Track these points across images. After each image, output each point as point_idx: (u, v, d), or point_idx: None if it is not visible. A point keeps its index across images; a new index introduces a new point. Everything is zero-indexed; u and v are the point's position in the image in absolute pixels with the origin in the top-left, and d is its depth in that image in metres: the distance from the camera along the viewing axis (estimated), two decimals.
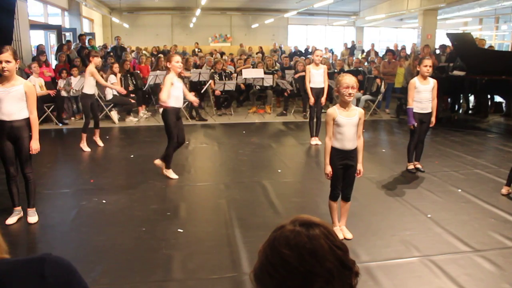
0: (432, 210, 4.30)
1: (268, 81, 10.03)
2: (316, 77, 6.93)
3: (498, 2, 15.53)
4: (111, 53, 13.01)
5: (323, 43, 21.52)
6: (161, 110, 5.24)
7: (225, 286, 3.00)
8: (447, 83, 8.63)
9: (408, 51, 12.79)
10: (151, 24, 21.76)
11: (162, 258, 3.34)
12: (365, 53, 17.13)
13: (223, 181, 5.31)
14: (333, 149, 3.54)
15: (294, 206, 4.51)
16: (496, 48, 15.96)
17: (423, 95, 5.29)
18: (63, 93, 8.91)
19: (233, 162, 6.19)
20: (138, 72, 10.29)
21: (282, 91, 10.29)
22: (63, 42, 11.82)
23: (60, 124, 8.65)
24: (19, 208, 4.05)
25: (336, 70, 10.82)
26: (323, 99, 7.02)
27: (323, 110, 7.10)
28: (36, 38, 12.66)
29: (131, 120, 9.21)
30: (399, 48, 13.90)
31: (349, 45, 19.45)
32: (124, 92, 7.13)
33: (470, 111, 10.52)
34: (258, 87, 10.24)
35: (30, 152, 3.88)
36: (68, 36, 14.13)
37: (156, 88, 10.12)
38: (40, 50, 10.01)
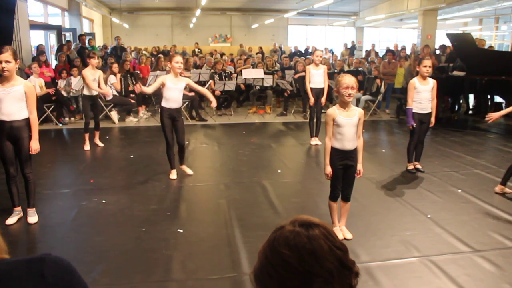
0: (432, 210, 4.30)
1: (268, 81, 10.03)
2: (316, 77, 6.93)
3: (498, 3, 15.53)
4: (112, 53, 13.01)
5: (323, 44, 21.52)
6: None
7: (225, 286, 3.00)
8: (447, 83, 8.64)
9: (408, 52, 12.79)
10: (151, 24, 21.77)
11: (162, 258, 3.34)
12: (364, 53, 17.14)
13: (223, 181, 5.31)
14: (333, 149, 3.54)
15: (294, 206, 4.51)
16: (496, 48, 15.95)
17: (422, 96, 5.29)
18: (64, 93, 8.92)
19: (233, 162, 6.19)
20: (138, 72, 10.29)
21: (282, 91, 10.29)
22: (63, 42, 11.82)
23: (60, 124, 8.65)
24: (19, 208, 4.05)
25: (336, 70, 10.82)
26: (323, 99, 7.02)
27: (323, 110, 7.10)
28: (36, 38, 12.67)
29: (131, 120, 9.21)
30: (399, 49, 13.90)
31: (349, 45, 19.46)
32: (110, 96, 7.07)
33: (470, 111, 10.52)
34: (258, 87, 10.24)
35: (30, 152, 3.88)
36: (68, 36, 14.14)
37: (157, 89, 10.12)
38: (40, 50, 10.02)
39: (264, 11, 21.12)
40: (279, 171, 5.77)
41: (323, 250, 0.89)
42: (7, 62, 3.62)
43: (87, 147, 6.74)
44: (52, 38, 13.42)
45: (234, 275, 3.12)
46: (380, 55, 14.49)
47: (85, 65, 10.50)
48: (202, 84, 9.79)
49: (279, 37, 22.58)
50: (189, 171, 5.35)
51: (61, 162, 6.40)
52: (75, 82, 8.83)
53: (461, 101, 10.43)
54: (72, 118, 9.17)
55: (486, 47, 10.18)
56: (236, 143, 7.31)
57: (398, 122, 9.32)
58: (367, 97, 9.77)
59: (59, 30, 13.08)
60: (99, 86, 6.61)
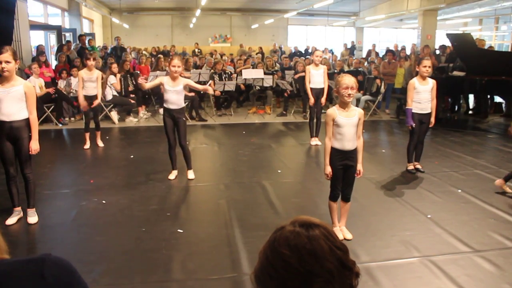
0: (432, 210, 4.30)
1: (268, 81, 10.04)
2: (316, 78, 6.93)
3: (498, 3, 15.53)
4: (112, 53, 13.01)
5: (323, 44, 21.52)
6: (160, 110, 5.39)
7: (225, 287, 3.00)
8: (447, 84, 8.64)
9: (408, 52, 12.79)
10: (151, 25, 21.77)
11: (162, 259, 3.34)
12: (365, 53, 17.14)
13: (223, 181, 5.31)
14: (333, 149, 3.54)
15: (294, 206, 4.51)
16: (496, 49, 15.95)
17: (422, 96, 5.29)
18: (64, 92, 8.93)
19: (233, 162, 6.20)
20: (138, 72, 10.29)
21: (282, 92, 10.29)
22: (63, 43, 11.82)
23: (60, 125, 8.66)
24: (19, 208, 4.05)
25: (336, 71, 10.82)
26: (323, 100, 7.02)
27: (323, 111, 7.10)
28: (36, 38, 12.66)
29: (131, 121, 9.21)
30: (399, 49, 13.90)
31: (349, 46, 19.46)
32: (83, 105, 7.02)
33: (470, 112, 10.52)
34: (258, 87, 10.24)
35: (30, 152, 3.88)
36: (68, 36, 14.14)
37: (156, 89, 10.13)
38: (40, 50, 10.02)
39: (264, 11, 21.12)
40: (279, 171, 5.77)
41: (323, 250, 0.89)
42: (7, 62, 3.62)
43: (86, 146, 6.80)
44: (52, 38, 13.42)
45: (234, 275, 3.12)
46: (380, 55, 14.49)
47: (85, 65, 10.54)
48: (202, 84, 9.81)
49: (279, 37, 22.59)
50: (191, 176, 5.34)
51: (61, 162, 6.40)
52: (75, 82, 8.82)
53: (461, 101, 10.43)
54: (72, 118, 9.17)
55: (486, 47, 10.19)
56: (236, 143, 7.31)
57: (398, 122, 9.32)
58: (367, 97, 9.77)
59: (59, 30, 13.08)
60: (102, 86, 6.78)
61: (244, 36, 22.31)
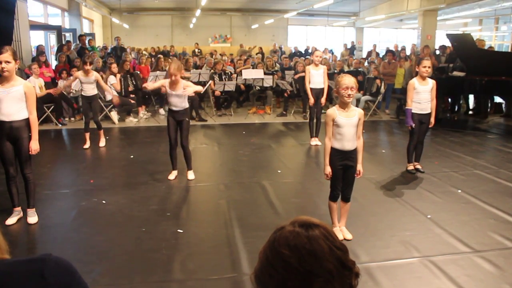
0: (432, 210, 4.30)
1: (268, 81, 10.03)
2: (316, 78, 6.93)
3: (498, 3, 15.54)
4: (112, 53, 13.00)
5: (323, 44, 21.52)
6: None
7: (225, 287, 3.00)
8: (447, 84, 8.63)
9: (408, 52, 12.79)
10: (151, 25, 21.77)
11: (162, 259, 3.34)
12: (366, 54, 17.13)
13: (223, 181, 5.31)
14: (333, 149, 3.54)
15: (294, 206, 4.51)
16: (495, 49, 15.96)
17: (422, 96, 5.29)
18: (64, 93, 8.93)
19: (233, 162, 6.20)
20: (138, 72, 10.29)
21: (282, 92, 10.29)
22: (63, 43, 11.82)
23: (60, 125, 8.66)
24: (19, 208, 4.05)
25: (336, 71, 10.82)
26: (322, 100, 7.02)
27: (322, 111, 7.10)
28: (36, 38, 12.66)
29: (131, 121, 9.21)
30: (399, 49, 13.90)
31: (349, 46, 19.46)
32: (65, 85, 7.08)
33: (470, 112, 10.52)
34: (258, 87, 10.24)
35: (30, 152, 3.88)
36: (68, 36, 14.14)
37: (156, 89, 10.12)
38: (40, 50, 10.01)
39: (264, 11, 21.12)
40: (279, 171, 5.77)
41: (323, 250, 0.89)
42: (7, 62, 3.62)
43: (86, 146, 6.81)
44: (52, 38, 13.41)
45: (234, 275, 3.12)
46: (380, 55, 14.49)
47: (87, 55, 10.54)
48: (202, 84, 9.82)
49: (279, 37, 22.59)
50: (191, 176, 5.34)
51: (60, 162, 6.40)
52: (75, 82, 8.81)
53: (461, 102, 10.43)
54: (72, 119, 9.17)
55: (486, 47, 10.19)
56: (236, 143, 7.31)
57: (398, 122, 9.32)
58: (367, 97, 9.77)
59: (59, 30, 13.08)
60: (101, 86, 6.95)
61: (244, 36, 22.31)
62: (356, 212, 4.12)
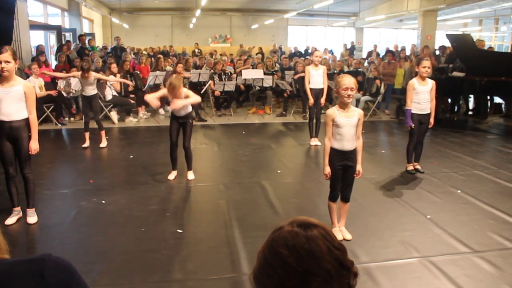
0: (431, 211, 4.30)
1: (268, 81, 10.03)
2: (316, 78, 6.93)
3: (498, 3, 15.54)
4: (112, 53, 12.99)
5: (323, 44, 21.52)
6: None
7: (224, 287, 3.00)
8: (447, 84, 8.64)
9: (408, 52, 12.79)
10: (151, 25, 21.76)
11: (161, 259, 3.34)
12: (366, 54, 17.13)
13: (222, 181, 5.31)
14: (333, 149, 3.55)
15: (294, 206, 4.51)
16: (495, 49, 15.96)
17: (421, 96, 5.30)
18: (63, 94, 8.93)
19: (232, 162, 6.20)
20: (138, 72, 10.29)
21: (281, 92, 10.29)
22: (63, 43, 11.82)
23: (59, 125, 8.66)
24: (19, 208, 4.05)
25: (335, 71, 10.82)
26: (322, 100, 7.02)
27: (322, 111, 7.10)
28: (36, 38, 12.66)
29: (131, 121, 9.21)
30: (399, 49, 13.90)
31: (349, 46, 19.45)
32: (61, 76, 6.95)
33: (469, 112, 10.53)
34: (257, 87, 10.24)
35: (30, 152, 3.88)
36: (68, 36, 14.13)
37: (156, 89, 10.13)
38: (40, 50, 10.01)
39: (264, 11, 21.12)
40: (278, 171, 5.77)
41: (321, 250, 0.89)
42: (7, 62, 3.62)
43: (85, 144, 6.83)
44: (52, 38, 13.41)
45: (233, 275, 3.12)
46: (380, 55, 14.49)
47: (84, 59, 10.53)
48: (202, 84, 9.82)
49: (279, 37, 22.58)
50: (190, 176, 5.34)
51: (60, 162, 6.40)
52: (75, 82, 8.82)
53: (460, 102, 10.44)
54: (72, 119, 9.17)
55: (485, 48, 10.19)
56: (236, 143, 7.31)
57: (398, 122, 9.31)
58: (367, 97, 9.77)
59: (59, 30, 13.07)
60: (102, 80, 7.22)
61: (244, 36, 22.31)
62: (355, 212, 4.12)
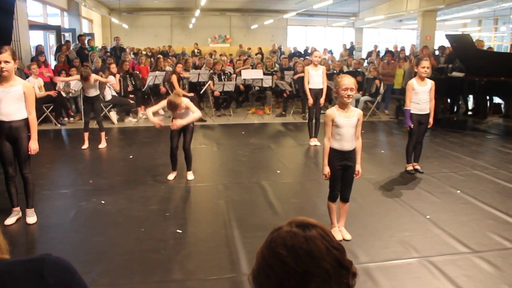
0: (431, 211, 4.30)
1: (267, 82, 10.03)
2: (315, 78, 6.93)
3: (497, 4, 15.54)
4: (111, 53, 12.99)
5: (323, 44, 21.53)
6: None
7: (224, 287, 3.00)
8: (446, 84, 8.64)
9: (408, 53, 12.80)
10: (150, 25, 21.76)
11: (161, 259, 3.34)
12: (366, 54, 17.13)
13: (222, 181, 5.31)
14: (332, 150, 3.55)
15: (293, 207, 4.51)
16: (495, 50, 15.97)
17: (421, 96, 5.30)
18: (63, 94, 8.93)
19: (232, 162, 6.20)
20: (137, 72, 10.29)
21: (281, 92, 10.29)
22: (62, 43, 11.81)
23: (59, 125, 8.66)
24: (18, 208, 4.05)
25: (335, 71, 10.82)
26: (322, 100, 7.02)
27: (322, 111, 7.10)
28: (35, 38, 12.65)
29: (130, 121, 9.20)
30: (399, 49, 13.91)
31: (348, 46, 19.46)
32: (111, 82, 6.88)
33: (469, 112, 10.53)
34: (257, 88, 10.24)
35: (29, 152, 3.88)
36: (68, 36, 14.13)
37: (156, 89, 10.13)
38: (39, 50, 10.00)
39: (264, 11, 21.12)
40: (278, 171, 5.77)
41: (320, 250, 0.89)
42: (6, 62, 3.62)
43: (84, 146, 6.81)
44: (52, 38, 13.40)
45: (233, 275, 3.12)
46: (380, 56, 14.50)
47: (84, 66, 10.51)
48: (201, 84, 9.82)
49: (278, 37, 22.58)
50: (190, 177, 5.34)
51: (60, 162, 6.39)
52: (74, 82, 8.82)
53: (460, 102, 10.44)
54: (71, 119, 9.17)
55: (485, 48, 10.20)
56: (235, 143, 7.31)
57: (397, 123, 9.32)
58: (366, 97, 9.77)
59: (58, 30, 13.07)
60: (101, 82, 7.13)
61: (244, 36, 22.31)
62: (355, 212, 4.12)
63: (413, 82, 5.32)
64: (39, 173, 5.35)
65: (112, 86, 8.84)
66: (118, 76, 9.09)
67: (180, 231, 3.85)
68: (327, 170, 3.56)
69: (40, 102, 7.69)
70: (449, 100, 10.11)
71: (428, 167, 5.77)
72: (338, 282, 0.90)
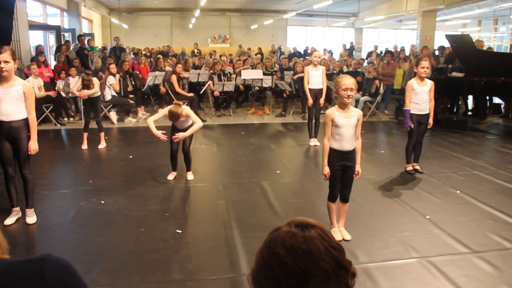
0: (430, 211, 4.30)
1: (267, 82, 10.03)
2: (315, 78, 6.93)
3: (497, 4, 15.55)
4: (111, 53, 12.99)
5: (322, 45, 21.53)
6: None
7: (223, 287, 3.00)
8: (446, 85, 8.65)
9: (407, 53, 12.80)
10: (150, 25, 21.76)
11: (160, 259, 3.34)
12: (366, 54, 17.13)
13: (222, 181, 5.31)
14: (332, 150, 3.55)
15: (293, 207, 4.51)
16: (494, 50, 15.98)
17: (420, 97, 5.30)
18: (62, 94, 8.94)
19: (232, 163, 6.20)
20: (137, 72, 10.29)
21: (281, 92, 10.29)
22: (62, 43, 11.81)
23: (59, 125, 8.66)
24: (18, 208, 4.05)
25: (335, 71, 10.83)
26: (321, 100, 7.02)
27: (321, 111, 7.10)
28: (35, 38, 12.65)
29: (130, 121, 9.20)
30: (399, 50, 13.91)
31: (348, 46, 19.46)
32: (84, 96, 6.81)
33: (469, 113, 10.54)
34: (257, 88, 10.24)
35: (29, 152, 3.88)
36: (67, 36, 14.12)
37: (156, 89, 10.13)
38: (39, 50, 10.00)
39: (263, 12, 21.13)
40: (278, 172, 5.77)
41: (319, 250, 0.89)
42: (6, 62, 3.62)
43: (84, 146, 6.81)
44: (51, 38, 13.40)
45: (232, 275, 3.12)
46: (380, 56, 14.50)
47: (84, 66, 10.52)
48: (201, 84, 9.83)
49: (278, 38, 22.58)
50: (190, 177, 5.34)
51: (59, 162, 6.39)
52: (74, 82, 8.82)
53: (460, 102, 10.44)
54: (71, 119, 9.17)
55: (484, 48, 10.20)
56: (235, 143, 7.31)
57: (397, 123, 9.32)
58: (366, 98, 9.77)
59: (58, 30, 13.06)
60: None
61: (244, 36, 22.31)
62: (355, 212, 4.12)
63: (413, 82, 5.33)
64: (39, 173, 5.35)
65: (112, 86, 8.84)
66: (118, 76, 9.09)
67: (180, 231, 3.85)
68: (326, 170, 3.56)
69: (40, 102, 7.69)
70: (449, 101, 10.11)
71: (428, 167, 5.78)
72: (337, 282, 0.90)
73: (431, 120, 5.45)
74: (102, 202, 4.54)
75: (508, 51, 18.60)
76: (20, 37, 9.60)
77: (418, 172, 5.57)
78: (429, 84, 5.32)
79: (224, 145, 7.30)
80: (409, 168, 5.60)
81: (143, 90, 9.87)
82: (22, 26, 9.74)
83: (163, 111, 5.05)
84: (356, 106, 7.76)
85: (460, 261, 3.31)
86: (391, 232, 3.83)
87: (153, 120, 5.00)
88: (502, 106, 10.46)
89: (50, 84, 9.06)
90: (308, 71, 6.97)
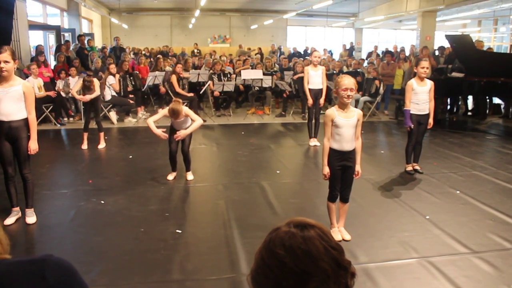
0: (430, 211, 4.31)
1: (267, 82, 10.04)
2: (314, 78, 6.93)
3: (497, 4, 15.55)
4: (111, 53, 12.99)
5: (322, 45, 21.52)
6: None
7: (223, 287, 3.00)
8: (446, 85, 8.65)
9: (407, 53, 12.80)
10: (150, 25, 21.76)
11: (160, 259, 3.34)
12: (366, 54, 17.13)
13: (221, 182, 5.31)
14: (332, 150, 3.55)
15: (293, 207, 4.51)
16: (494, 50, 15.98)
17: (420, 97, 5.30)
18: (62, 94, 8.94)
19: (231, 163, 6.20)
20: (137, 72, 10.28)
21: (281, 92, 10.29)
22: (62, 43, 11.80)
23: (59, 125, 8.66)
24: (17, 208, 4.05)
25: (335, 72, 10.83)
26: (321, 100, 7.02)
27: (321, 111, 7.11)
28: (35, 38, 12.65)
29: (130, 121, 9.20)
30: (398, 50, 13.91)
31: (348, 47, 19.46)
32: (86, 100, 6.75)
33: (468, 113, 10.54)
34: (257, 88, 10.24)
35: (29, 152, 3.88)
36: (67, 36, 14.12)
37: (155, 89, 10.13)
38: (39, 50, 9.99)
39: (263, 12, 21.12)
40: (277, 172, 5.77)
41: (318, 250, 0.89)
42: (6, 62, 3.62)
43: (84, 146, 6.81)
44: (51, 38, 13.40)
45: (232, 275, 3.12)
46: (380, 56, 14.50)
47: (84, 66, 10.52)
48: (201, 84, 9.83)
49: (278, 38, 22.57)
50: (190, 177, 5.34)
51: (59, 162, 6.39)
52: (74, 82, 8.82)
53: (460, 103, 10.45)
54: (71, 119, 9.17)
55: (484, 48, 10.20)
56: (235, 143, 7.31)
57: (397, 123, 9.32)
58: (366, 98, 9.77)
59: (58, 30, 13.06)
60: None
61: (243, 36, 22.31)
62: (354, 212, 4.12)
63: (413, 82, 5.33)
64: (38, 173, 5.35)
65: (111, 86, 8.84)
66: (117, 76, 9.09)
67: (180, 231, 3.85)
68: (326, 170, 3.56)
69: (39, 102, 7.69)
70: (448, 101, 10.12)
71: (428, 167, 5.78)
72: (337, 282, 0.90)
73: (431, 120, 5.45)
74: (102, 202, 4.54)
75: (508, 51, 18.61)
76: (20, 37, 9.60)
77: (418, 172, 5.58)
78: (429, 84, 5.32)
79: (224, 145, 7.30)
80: (409, 168, 5.60)
81: (143, 90, 9.87)
82: (22, 26, 9.74)
83: (163, 112, 5.05)
84: (356, 106, 7.76)
85: (459, 261, 3.31)
86: (391, 232, 3.83)
87: (153, 120, 5.01)
88: (502, 106, 10.46)
89: (50, 84, 9.05)
90: (308, 71, 6.97)
